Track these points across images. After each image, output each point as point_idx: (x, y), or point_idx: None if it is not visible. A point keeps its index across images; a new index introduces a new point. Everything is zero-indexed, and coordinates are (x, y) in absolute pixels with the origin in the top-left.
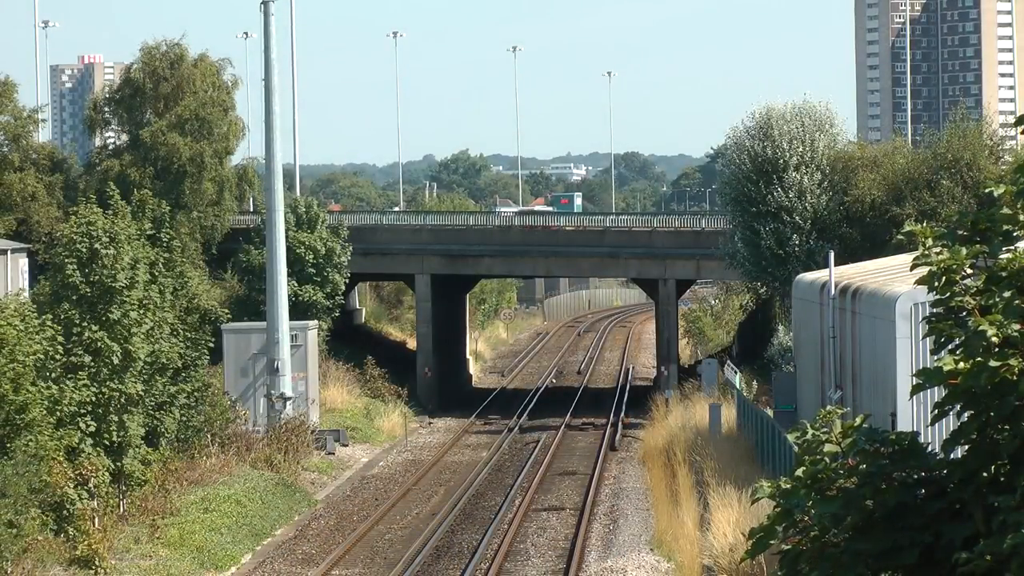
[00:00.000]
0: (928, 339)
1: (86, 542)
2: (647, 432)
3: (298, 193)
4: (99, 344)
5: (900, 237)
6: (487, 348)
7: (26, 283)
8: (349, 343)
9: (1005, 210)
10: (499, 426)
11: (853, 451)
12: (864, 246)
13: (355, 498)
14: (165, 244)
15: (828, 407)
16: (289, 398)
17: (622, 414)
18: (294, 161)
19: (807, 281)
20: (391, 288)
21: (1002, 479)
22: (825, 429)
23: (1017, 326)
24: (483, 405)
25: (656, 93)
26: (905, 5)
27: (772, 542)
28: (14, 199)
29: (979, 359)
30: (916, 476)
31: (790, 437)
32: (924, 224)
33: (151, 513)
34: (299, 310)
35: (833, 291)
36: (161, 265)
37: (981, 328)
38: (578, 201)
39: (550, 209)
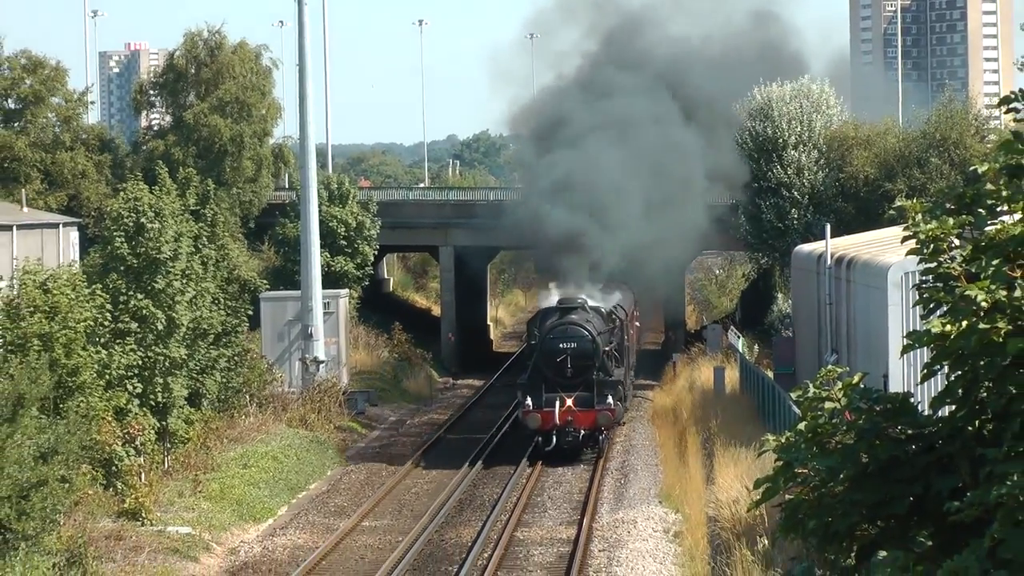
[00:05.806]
0: (918, 307)
1: (133, 496)
2: (656, 393)
3: (330, 170)
4: (145, 312)
5: (892, 212)
6: (506, 315)
7: (77, 255)
8: (378, 310)
9: (989, 186)
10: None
11: (850, 406)
12: (858, 219)
13: (383, 454)
14: (209, 220)
15: (827, 367)
16: (322, 361)
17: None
18: (327, 140)
19: (805, 252)
20: (417, 259)
21: (986, 434)
22: (826, 387)
23: (1004, 292)
24: (503, 368)
25: None
26: None
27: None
28: (65, 176)
29: (969, 321)
30: (907, 432)
31: (792, 395)
32: (914, 199)
33: (194, 468)
34: (331, 279)
35: (829, 261)
36: (204, 238)
37: (968, 293)
38: None
39: None
